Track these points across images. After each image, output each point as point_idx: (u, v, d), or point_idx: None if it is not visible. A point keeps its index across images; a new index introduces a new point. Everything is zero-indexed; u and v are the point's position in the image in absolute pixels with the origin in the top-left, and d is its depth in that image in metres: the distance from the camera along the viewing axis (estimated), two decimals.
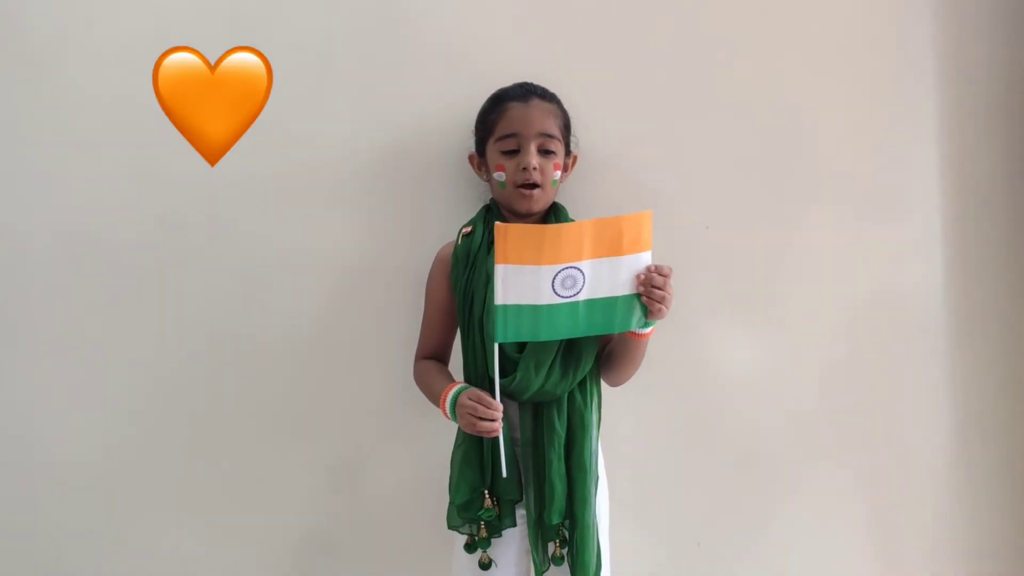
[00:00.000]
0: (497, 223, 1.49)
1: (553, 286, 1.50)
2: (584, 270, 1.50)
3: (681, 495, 1.87)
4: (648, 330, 1.59)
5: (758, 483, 1.87)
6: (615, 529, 1.67)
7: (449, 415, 1.56)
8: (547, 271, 1.49)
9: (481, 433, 1.52)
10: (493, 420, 1.50)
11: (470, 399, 1.52)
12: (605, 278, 1.51)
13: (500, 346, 1.56)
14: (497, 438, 1.53)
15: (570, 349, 1.58)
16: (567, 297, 1.51)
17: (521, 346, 1.57)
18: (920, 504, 1.91)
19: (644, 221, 1.51)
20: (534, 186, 1.62)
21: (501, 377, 1.56)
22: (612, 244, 1.50)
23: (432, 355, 1.70)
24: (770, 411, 1.87)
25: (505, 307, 1.50)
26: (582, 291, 1.51)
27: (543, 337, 1.53)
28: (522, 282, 1.49)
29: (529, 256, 1.48)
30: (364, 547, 1.82)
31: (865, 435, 1.89)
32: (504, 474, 1.54)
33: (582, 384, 1.60)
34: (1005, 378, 1.92)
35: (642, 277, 1.51)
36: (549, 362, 1.55)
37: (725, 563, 1.88)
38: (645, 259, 1.52)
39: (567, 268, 1.49)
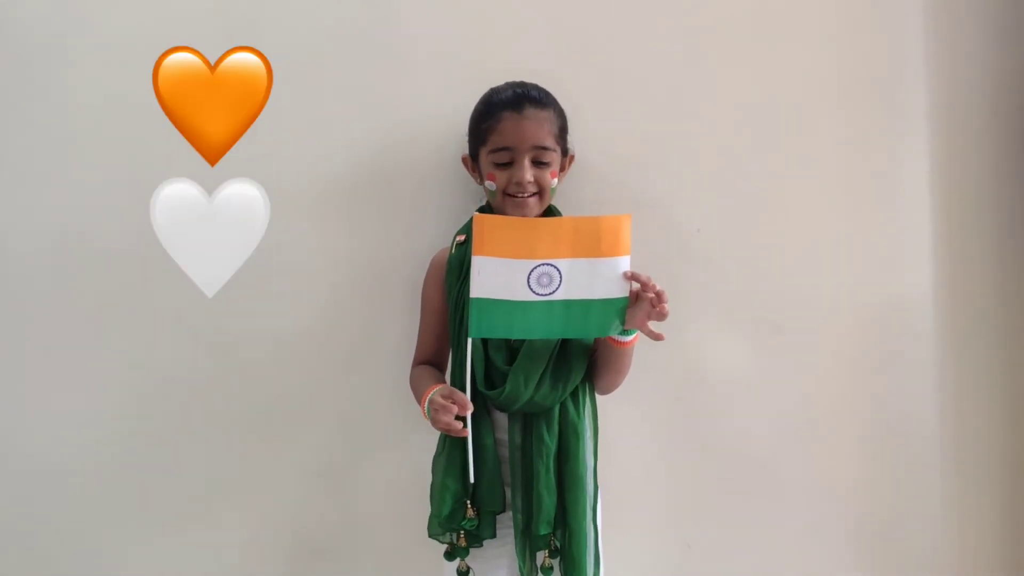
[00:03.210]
0: (476, 214, 1.49)
1: (529, 282, 1.49)
2: (561, 268, 1.49)
3: (671, 497, 1.87)
4: (630, 338, 1.57)
5: (749, 486, 1.87)
6: (604, 531, 1.67)
7: (427, 414, 1.55)
8: (522, 265, 1.49)
9: (448, 431, 1.50)
10: (462, 417, 1.49)
11: (441, 395, 1.51)
12: (582, 279, 1.50)
13: (489, 358, 1.57)
14: (468, 442, 1.52)
15: (561, 360, 1.57)
16: (542, 295, 1.50)
17: (511, 358, 1.57)
18: (912, 509, 1.90)
19: (623, 224, 1.50)
20: (530, 194, 1.61)
21: (489, 389, 1.56)
22: (590, 245, 1.49)
23: (429, 360, 1.70)
24: (761, 415, 1.87)
25: (480, 300, 1.49)
26: (558, 290, 1.50)
27: (516, 335, 1.53)
28: (497, 275, 1.48)
29: (506, 249, 1.48)
30: (355, 552, 1.83)
31: (857, 439, 1.89)
32: (472, 479, 1.53)
33: (574, 394, 1.60)
34: (997, 383, 1.91)
35: (642, 280, 1.49)
36: (539, 374, 1.55)
37: (716, 565, 1.88)
38: (623, 264, 1.51)
39: (543, 265, 1.49)
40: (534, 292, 1.50)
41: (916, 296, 1.89)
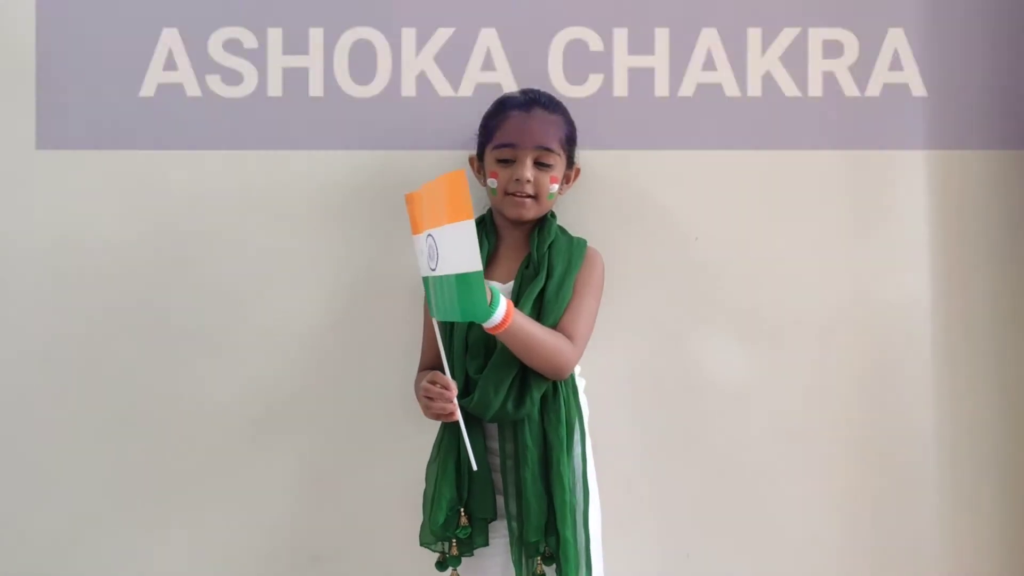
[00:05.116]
0: (406, 194, 1.49)
1: (428, 257, 1.41)
2: (436, 238, 1.34)
3: (670, 505, 1.86)
4: (491, 321, 1.43)
5: (747, 493, 1.86)
6: (604, 540, 1.66)
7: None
8: (420, 239, 1.43)
9: (438, 416, 1.50)
10: (448, 401, 1.48)
11: (426, 381, 1.51)
12: (446, 250, 1.33)
13: (465, 366, 1.56)
14: (461, 424, 1.50)
15: (530, 368, 1.54)
16: (433, 270, 1.40)
17: (482, 366, 1.56)
18: (908, 513, 1.88)
19: (459, 181, 1.28)
20: (527, 195, 1.60)
21: (461, 397, 1.54)
22: (440, 209, 1.32)
23: (431, 367, 1.68)
24: (759, 421, 1.86)
25: (425, 279, 1.48)
26: (438, 264, 1.36)
27: (445, 317, 1.45)
28: (418, 252, 1.46)
29: (418, 223, 1.45)
30: (351, 558, 1.83)
31: (853, 445, 1.87)
32: (475, 467, 1.52)
33: (556, 400, 1.58)
34: (992, 386, 1.88)
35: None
36: (508, 382, 1.53)
37: (715, 573, 1.87)
38: (467, 228, 1.29)
39: (428, 236, 1.37)
40: (431, 268, 1.41)
41: (913, 303, 1.87)
